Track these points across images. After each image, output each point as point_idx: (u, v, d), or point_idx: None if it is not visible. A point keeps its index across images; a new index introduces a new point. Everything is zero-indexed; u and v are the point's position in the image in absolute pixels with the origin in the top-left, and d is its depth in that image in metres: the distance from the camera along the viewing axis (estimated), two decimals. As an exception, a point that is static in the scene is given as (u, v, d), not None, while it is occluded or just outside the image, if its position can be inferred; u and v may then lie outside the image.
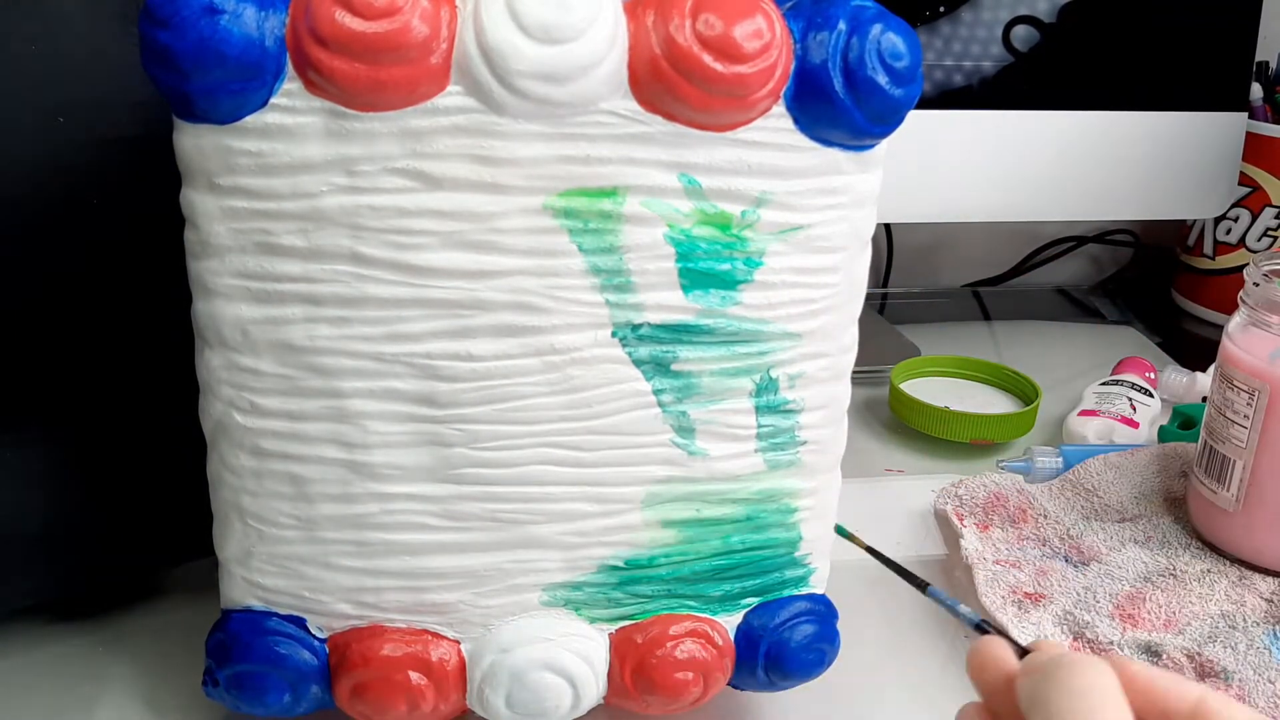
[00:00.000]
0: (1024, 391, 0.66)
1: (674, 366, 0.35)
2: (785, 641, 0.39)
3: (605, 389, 0.35)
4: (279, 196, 0.32)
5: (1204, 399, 0.66)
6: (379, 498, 0.35)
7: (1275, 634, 0.45)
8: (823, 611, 0.40)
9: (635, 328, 0.35)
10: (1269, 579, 0.49)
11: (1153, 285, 0.92)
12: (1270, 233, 0.82)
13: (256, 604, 0.37)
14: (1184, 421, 0.62)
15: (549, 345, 0.34)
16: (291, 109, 0.31)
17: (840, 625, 0.40)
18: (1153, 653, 0.44)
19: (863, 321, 0.38)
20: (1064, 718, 0.24)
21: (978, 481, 0.56)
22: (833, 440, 0.39)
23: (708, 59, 0.32)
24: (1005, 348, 0.79)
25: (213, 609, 0.38)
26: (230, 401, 0.34)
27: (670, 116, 0.33)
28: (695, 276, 0.35)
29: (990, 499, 0.55)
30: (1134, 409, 0.64)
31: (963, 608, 0.34)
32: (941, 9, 0.66)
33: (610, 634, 0.38)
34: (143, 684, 0.42)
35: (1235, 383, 0.49)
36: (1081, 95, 0.69)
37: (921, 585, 0.36)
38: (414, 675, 0.36)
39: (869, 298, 0.39)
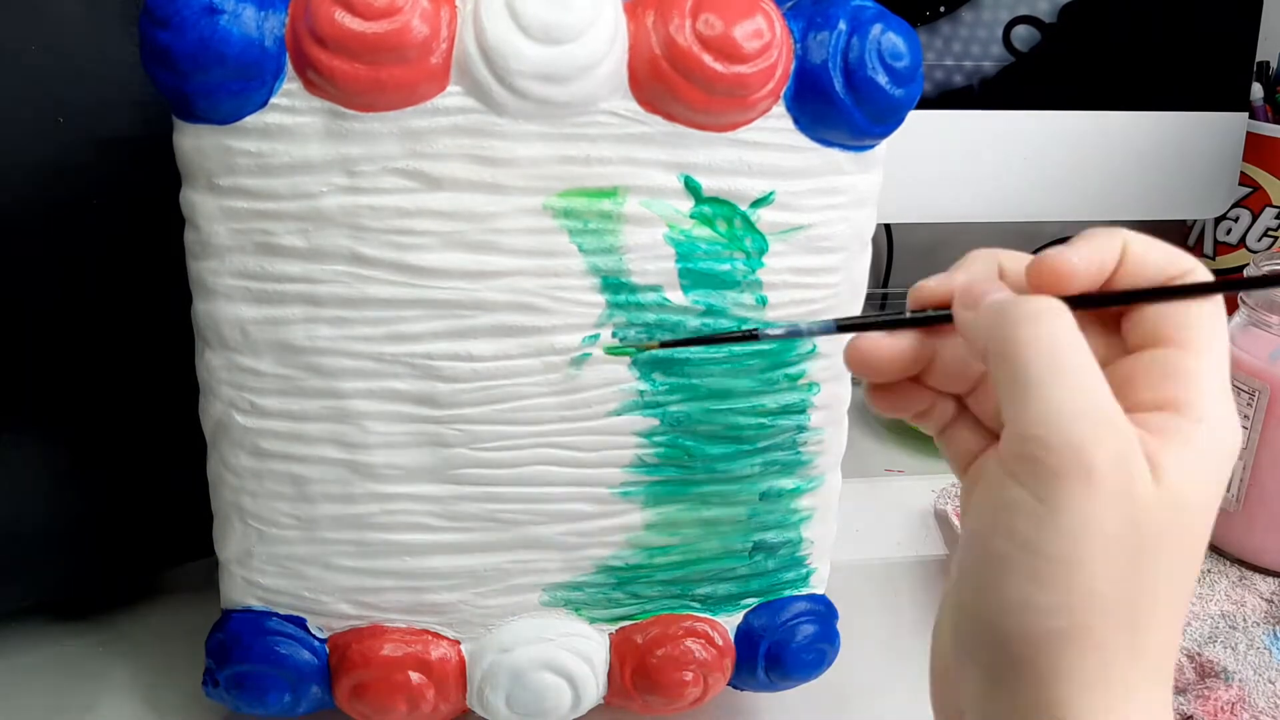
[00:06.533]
0: (1024, 391, 0.65)
1: (674, 367, 0.35)
2: (785, 641, 0.39)
3: (605, 389, 0.35)
4: (279, 197, 0.32)
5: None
6: (379, 498, 0.35)
7: (1275, 634, 0.45)
8: (823, 612, 0.40)
9: (636, 328, 0.35)
10: (1269, 579, 0.49)
11: (1153, 285, 0.92)
12: (1270, 233, 0.82)
13: (256, 604, 0.37)
14: (1184, 421, 0.62)
15: (549, 345, 0.34)
16: (291, 109, 0.31)
17: (840, 625, 0.40)
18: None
19: (863, 321, 0.38)
20: (1037, 367, 0.23)
21: (978, 481, 0.56)
22: (833, 440, 0.38)
23: (708, 59, 0.32)
24: (1005, 348, 0.78)
25: (213, 609, 0.38)
26: (230, 402, 0.34)
27: (670, 116, 0.33)
28: (695, 276, 0.35)
29: (990, 499, 0.55)
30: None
31: (805, 323, 0.31)
32: (941, 9, 0.66)
33: (610, 634, 0.38)
34: (143, 684, 0.42)
35: (1235, 383, 0.49)
36: (1081, 95, 0.69)
37: (751, 335, 0.31)
38: (414, 675, 0.36)
39: (869, 298, 0.39)
